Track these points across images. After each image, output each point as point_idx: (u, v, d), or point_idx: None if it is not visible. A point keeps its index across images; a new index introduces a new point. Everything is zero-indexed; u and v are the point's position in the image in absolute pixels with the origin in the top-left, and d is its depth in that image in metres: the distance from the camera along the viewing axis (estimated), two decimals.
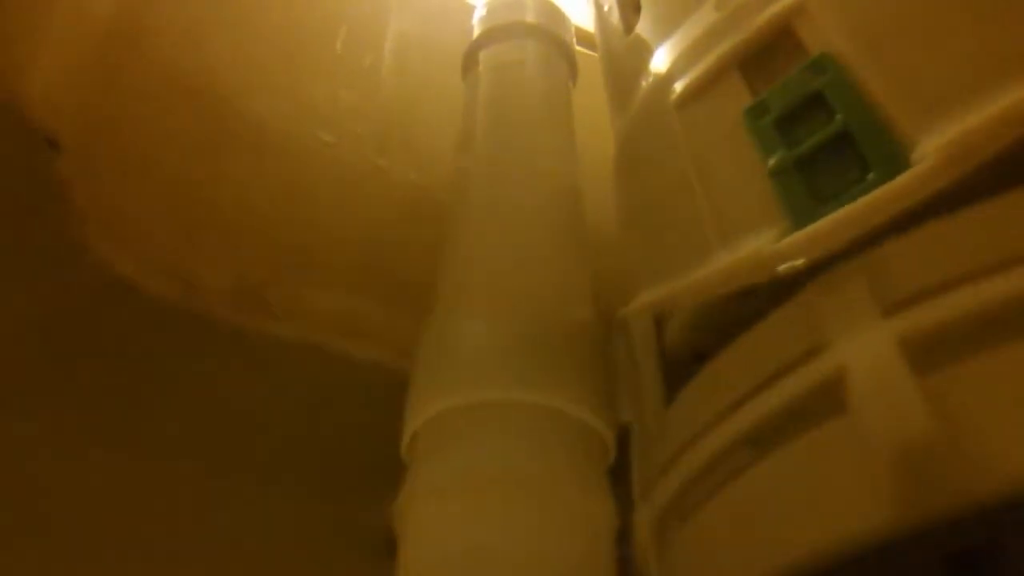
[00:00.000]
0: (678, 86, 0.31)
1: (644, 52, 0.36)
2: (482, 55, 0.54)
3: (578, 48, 0.57)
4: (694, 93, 0.30)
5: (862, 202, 0.21)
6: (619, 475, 0.33)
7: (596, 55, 0.49)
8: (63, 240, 0.40)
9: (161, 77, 0.49)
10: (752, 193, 0.25)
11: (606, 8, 0.45)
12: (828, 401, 0.19)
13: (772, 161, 0.25)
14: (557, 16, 0.56)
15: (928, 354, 0.18)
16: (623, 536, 0.31)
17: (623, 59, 0.41)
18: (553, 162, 0.47)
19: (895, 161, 0.21)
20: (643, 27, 0.38)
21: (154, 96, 0.49)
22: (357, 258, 0.52)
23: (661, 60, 0.34)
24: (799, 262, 0.22)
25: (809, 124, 0.24)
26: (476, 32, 0.55)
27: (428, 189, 0.57)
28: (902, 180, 0.21)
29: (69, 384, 0.41)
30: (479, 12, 0.57)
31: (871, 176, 0.22)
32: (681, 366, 0.28)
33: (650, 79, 0.34)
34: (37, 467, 0.40)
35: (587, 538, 0.31)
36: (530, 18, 0.54)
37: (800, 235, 0.22)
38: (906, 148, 0.21)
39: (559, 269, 0.39)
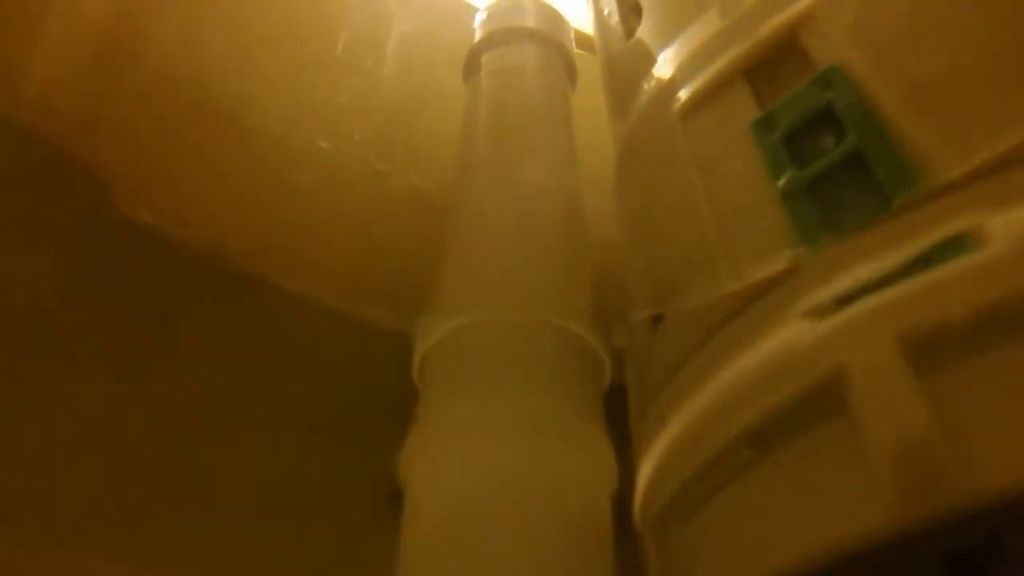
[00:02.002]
0: (682, 95, 0.31)
1: (645, 57, 0.36)
2: (483, 60, 0.54)
3: (577, 51, 0.57)
4: (698, 103, 0.30)
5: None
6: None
7: (595, 57, 0.49)
8: (89, 197, 0.42)
9: (158, 82, 0.49)
10: (760, 212, 0.25)
11: (606, 12, 0.45)
12: (828, 401, 0.19)
13: (782, 181, 0.24)
14: (557, 20, 0.57)
15: (928, 354, 0.18)
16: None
17: (623, 64, 0.41)
18: (553, 167, 0.48)
19: (915, 192, 0.21)
20: (644, 31, 0.38)
21: (151, 101, 0.49)
22: (355, 265, 0.53)
23: (663, 67, 0.34)
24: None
25: (820, 141, 0.24)
26: (477, 36, 0.56)
27: (429, 193, 0.57)
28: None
29: (97, 328, 0.43)
30: (480, 16, 0.57)
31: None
32: None
33: (652, 86, 0.34)
34: (72, 401, 0.41)
35: (585, 479, 0.32)
36: (530, 23, 0.55)
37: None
38: (926, 175, 0.21)
39: (558, 271, 0.40)
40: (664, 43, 0.35)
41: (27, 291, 0.41)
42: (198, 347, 0.46)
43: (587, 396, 0.35)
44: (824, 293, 0.21)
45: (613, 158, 0.39)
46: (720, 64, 0.29)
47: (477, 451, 0.32)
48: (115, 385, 0.42)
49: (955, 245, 0.19)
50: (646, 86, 0.35)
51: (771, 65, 0.27)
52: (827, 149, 0.23)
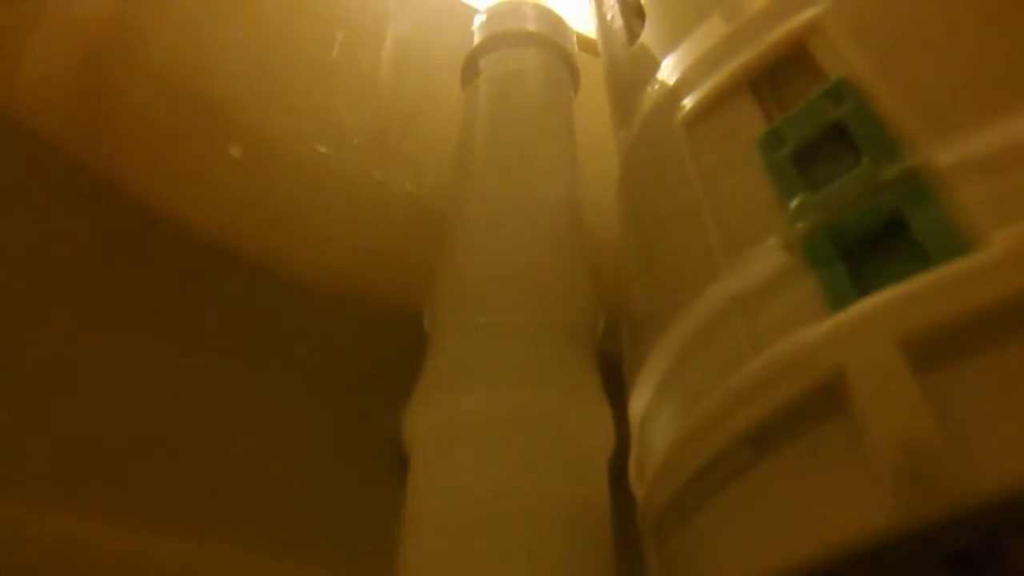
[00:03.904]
0: (686, 103, 0.31)
1: (649, 63, 0.36)
2: (482, 64, 0.55)
3: (580, 53, 0.58)
4: (702, 113, 0.30)
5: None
6: None
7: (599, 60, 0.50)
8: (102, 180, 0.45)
9: (153, 85, 0.50)
10: (768, 231, 0.24)
11: (609, 16, 0.46)
12: (828, 401, 0.20)
13: (794, 204, 0.23)
14: (558, 24, 0.57)
15: (928, 354, 0.18)
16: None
17: (627, 69, 0.41)
18: (553, 174, 0.48)
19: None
20: (647, 36, 0.39)
21: (148, 103, 0.50)
22: (353, 271, 0.54)
23: (667, 73, 0.34)
24: None
25: (832, 160, 0.23)
26: (476, 39, 0.56)
27: (425, 200, 0.58)
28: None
29: (109, 299, 0.46)
30: (479, 18, 0.58)
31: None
32: None
33: (655, 93, 0.34)
34: (88, 365, 0.44)
35: (585, 436, 0.35)
36: (531, 26, 0.56)
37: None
38: (947, 202, 0.20)
39: (559, 281, 0.41)
40: (667, 48, 0.35)
41: (30, 283, 0.42)
42: (204, 328, 0.48)
43: (586, 355, 0.37)
44: None
45: (616, 163, 0.40)
46: (724, 73, 0.29)
47: (479, 402, 0.33)
48: (124, 361, 0.45)
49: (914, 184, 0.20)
50: (650, 91, 0.36)
51: (777, 75, 0.27)
52: (840, 170, 0.23)
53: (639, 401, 0.28)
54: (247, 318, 0.49)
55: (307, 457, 0.48)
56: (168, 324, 0.47)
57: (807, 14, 0.27)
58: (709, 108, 0.30)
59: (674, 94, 0.32)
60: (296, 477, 0.47)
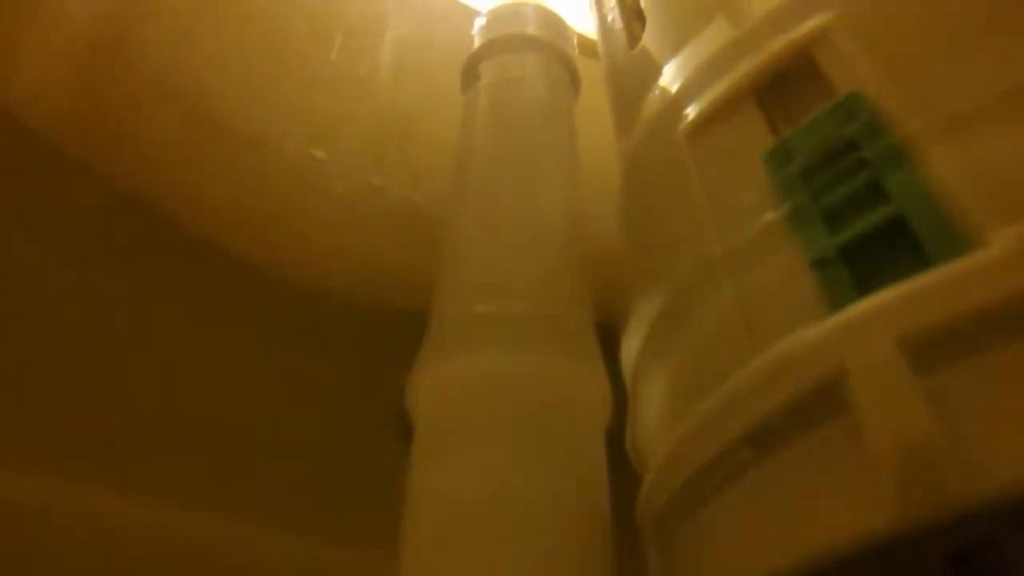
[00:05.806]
0: (689, 112, 0.30)
1: (650, 68, 0.36)
2: (482, 68, 0.55)
3: (581, 56, 0.59)
4: (706, 123, 0.29)
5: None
6: None
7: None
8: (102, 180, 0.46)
9: (151, 88, 0.51)
10: (772, 237, 0.24)
11: (609, 18, 0.46)
12: (828, 401, 0.20)
13: (802, 216, 0.24)
14: (559, 27, 0.58)
15: (928, 354, 0.19)
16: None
17: (628, 74, 0.41)
18: (553, 181, 0.49)
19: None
20: (649, 40, 0.39)
21: (144, 107, 0.50)
22: (351, 275, 0.54)
23: (669, 80, 0.33)
24: None
25: (842, 177, 0.23)
26: (476, 43, 0.57)
27: (424, 206, 0.58)
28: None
29: (110, 295, 0.47)
30: (479, 21, 0.58)
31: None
32: None
33: (657, 100, 0.34)
34: (89, 359, 0.46)
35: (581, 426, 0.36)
36: (531, 30, 0.56)
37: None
38: (966, 227, 0.20)
39: (558, 277, 0.41)
40: (669, 53, 0.35)
41: (32, 276, 0.43)
42: (205, 322, 0.48)
43: (584, 329, 0.39)
44: None
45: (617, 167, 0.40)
46: (728, 81, 0.29)
47: (479, 370, 0.35)
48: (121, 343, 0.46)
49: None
50: (651, 98, 0.35)
51: (783, 85, 0.27)
52: (848, 182, 0.23)
53: (631, 346, 0.28)
54: (248, 313, 0.50)
55: (314, 435, 0.49)
56: (170, 318, 0.47)
57: (813, 22, 0.26)
58: (712, 119, 0.29)
59: (676, 103, 0.32)
60: (305, 451, 0.48)
